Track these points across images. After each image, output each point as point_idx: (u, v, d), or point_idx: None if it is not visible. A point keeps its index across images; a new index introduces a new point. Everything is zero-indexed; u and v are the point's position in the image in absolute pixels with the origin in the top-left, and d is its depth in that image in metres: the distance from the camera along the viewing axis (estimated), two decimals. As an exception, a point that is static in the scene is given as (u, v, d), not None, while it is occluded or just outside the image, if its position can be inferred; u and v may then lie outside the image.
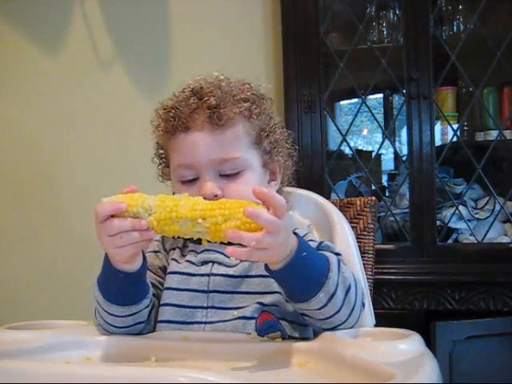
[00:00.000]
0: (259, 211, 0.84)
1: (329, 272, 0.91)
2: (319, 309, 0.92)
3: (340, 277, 0.92)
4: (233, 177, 1.04)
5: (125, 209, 0.88)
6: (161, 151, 1.15)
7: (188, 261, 1.09)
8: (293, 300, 0.94)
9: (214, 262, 1.07)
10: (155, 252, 1.14)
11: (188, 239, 1.12)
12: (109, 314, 1.00)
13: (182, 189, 1.06)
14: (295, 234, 0.91)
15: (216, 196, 1.01)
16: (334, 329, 0.95)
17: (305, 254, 0.89)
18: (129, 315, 0.99)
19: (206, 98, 1.05)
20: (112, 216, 0.88)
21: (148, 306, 1.01)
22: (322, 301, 0.91)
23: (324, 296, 0.90)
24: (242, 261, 1.05)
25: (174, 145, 1.07)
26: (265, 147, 1.09)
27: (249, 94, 1.08)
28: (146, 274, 0.99)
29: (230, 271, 1.05)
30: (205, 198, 0.95)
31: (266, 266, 0.91)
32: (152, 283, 1.08)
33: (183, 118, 1.05)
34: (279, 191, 1.15)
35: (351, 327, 0.96)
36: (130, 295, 0.98)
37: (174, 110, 1.06)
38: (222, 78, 1.10)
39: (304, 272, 0.90)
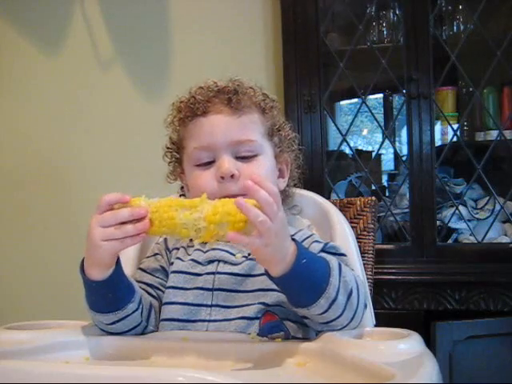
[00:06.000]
0: (249, 205, 0.83)
1: (329, 278, 0.90)
2: (320, 314, 0.91)
3: (341, 282, 0.91)
4: (248, 159, 1.07)
5: (129, 199, 0.88)
6: (173, 146, 1.16)
7: (193, 260, 1.09)
8: (293, 305, 0.94)
9: (219, 261, 1.07)
10: (155, 255, 1.15)
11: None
12: (99, 322, 1.00)
13: (198, 173, 1.08)
14: (293, 240, 0.90)
15: (233, 176, 1.04)
16: (335, 330, 0.94)
17: (304, 261, 0.88)
18: (117, 321, 0.98)
19: (224, 86, 1.10)
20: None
21: (137, 310, 0.99)
22: (323, 307, 0.90)
23: (325, 302, 0.90)
24: (247, 258, 1.06)
25: (192, 129, 1.10)
26: (275, 141, 1.13)
27: (259, 92, 1.13)
28: (124, 279, 0.98)
29: (235, 269, 1.05)
30: (222, 178, 1.02)
31: (266, 271, 0.90)
32: (151, 284, 1.09)
33: (202, 103, 1.09)
34: (288, 191, 1.18)
35: (353, 328, 0.95)
36: (110, 302, 0.96)
37: (192, 98, 1.11)
38: (235, 78, 1.14)
39: (304, 279, 0.88)
